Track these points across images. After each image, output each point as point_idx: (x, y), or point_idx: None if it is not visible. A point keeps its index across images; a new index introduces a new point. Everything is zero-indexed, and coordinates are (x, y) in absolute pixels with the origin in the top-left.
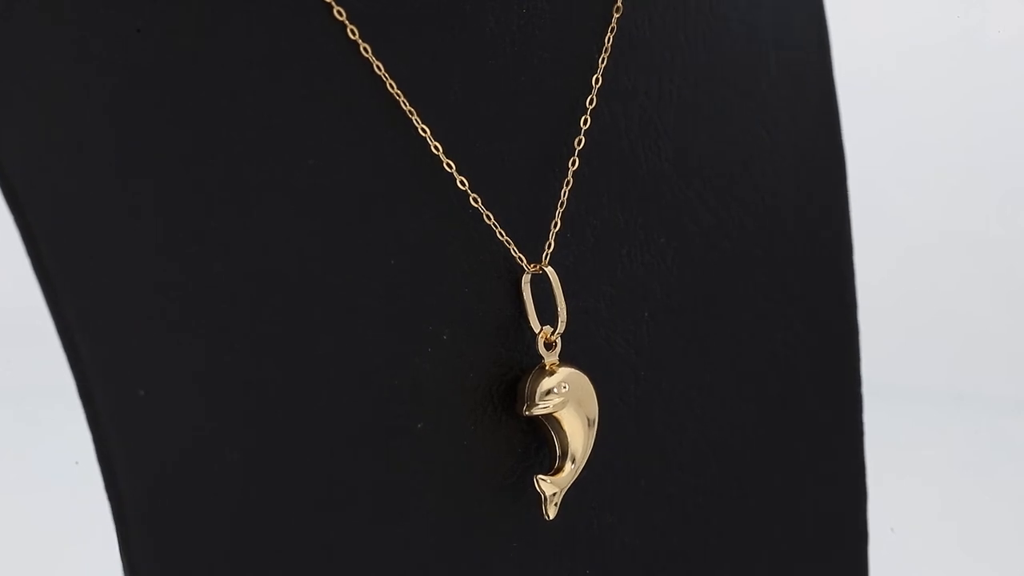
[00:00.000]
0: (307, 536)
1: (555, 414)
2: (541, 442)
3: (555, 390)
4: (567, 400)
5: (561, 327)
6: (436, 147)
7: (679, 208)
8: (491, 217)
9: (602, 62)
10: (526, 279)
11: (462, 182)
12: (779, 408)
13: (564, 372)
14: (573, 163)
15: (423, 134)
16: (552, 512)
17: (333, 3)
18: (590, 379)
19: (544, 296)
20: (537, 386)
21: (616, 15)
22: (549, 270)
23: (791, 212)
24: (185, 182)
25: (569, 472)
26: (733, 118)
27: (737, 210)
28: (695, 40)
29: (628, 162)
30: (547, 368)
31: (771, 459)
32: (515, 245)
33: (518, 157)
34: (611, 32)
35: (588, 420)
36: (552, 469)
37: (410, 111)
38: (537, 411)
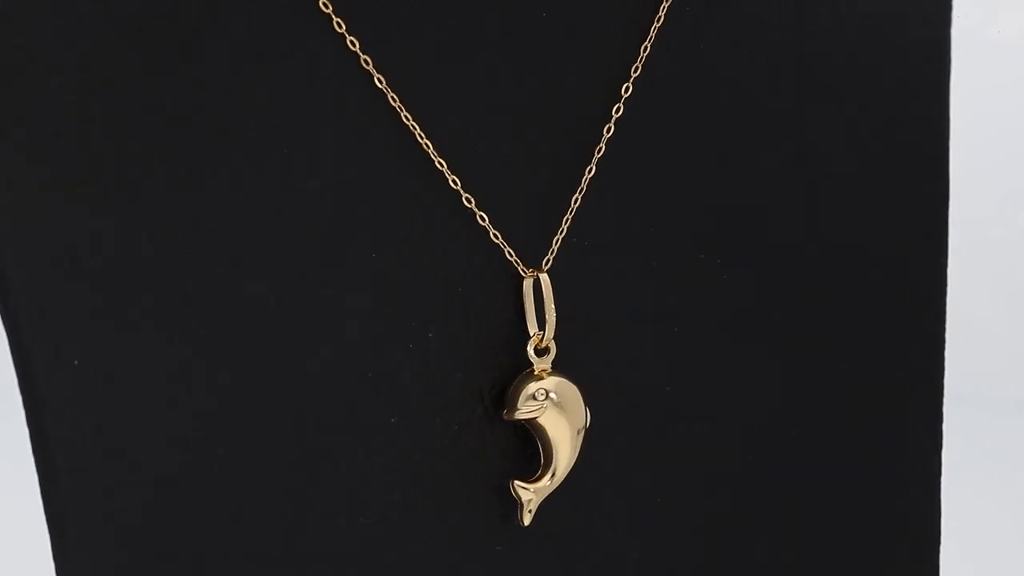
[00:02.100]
0: (272, 527)
1: (539, 421)
2: (536, 448)
3: (536, 396)
4: (550, 407)
5: (550, 332)
6: (427, 144)
7: (722, 223)
8: (485, 219)
9: (635, 71)
10: (528, 284)
11: (454, 181)
12: (826, 431)
13: (550, 379)
14: (590, 171)
15: (413, 130)
16: (527, 519)
17: None
18: (608, 389)
19: (563, 300)
20: (520, 391)
21: (656, 24)
22: (543, 276)
23: (865, 228)
24: (175, 179)
25: (548, 480)
26: (788, 135)
27: (792, 225)
28: (754, 54)
29: (659, 174)
30: (535, 374)
31: (813, 481)
32: (515, 248)
33: (527, 161)
34: (648, 41)
35: (576, 430)
36: (536, 476)
37: (399, 107)
38: (519, 416)
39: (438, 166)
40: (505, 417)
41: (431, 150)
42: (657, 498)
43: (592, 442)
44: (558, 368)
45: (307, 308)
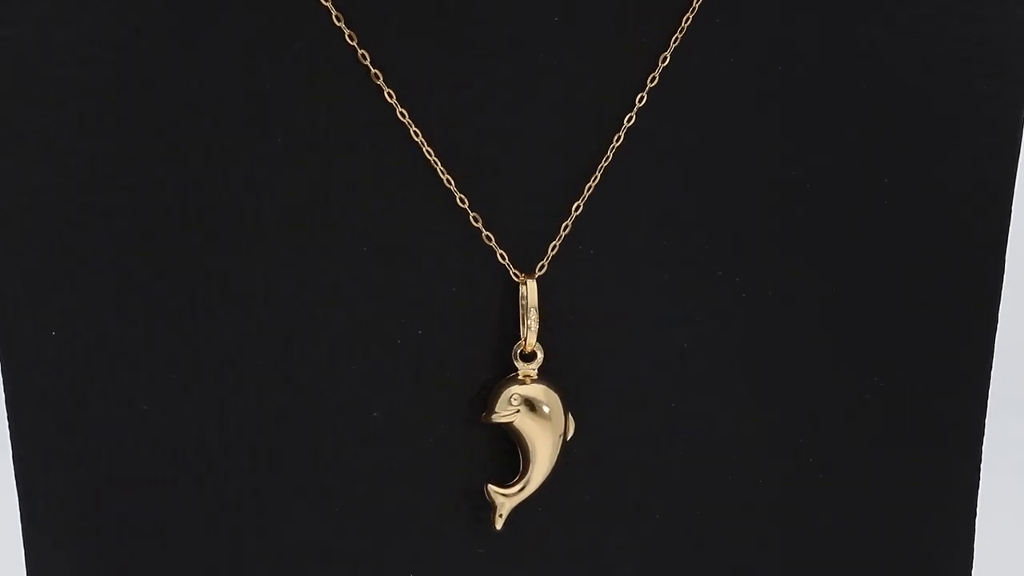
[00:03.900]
0: (249, 516)
1: (516, 426)
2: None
3: (512, 401)
4: (526, 413)
5: (532, 338)
6: (422, 142)
7: (732, 237)
8: (478, 219)
9: (651, 80)
10: (524, 289)
11: (448, 180)
12: (840, 448)
13: (531, 386)
14: (594, 179)
15: (408, 127)
16: (499, 523)
17: None
18: (603, 399)
19: (557, 306)
20: (498, 395)
21: (679, 34)
22: (529, 282)
23: (908, 238)
24: (166, 169)
25: (521, 486)
26: (814, 150)
27: (809, 238)
28: (783, 71)
29: (667, 186)
30: (519, 378)
31: (823, 504)
32: (511, 252)
33: (529, 165)
34: (668, 51)
35: (556, 438)
36: (513, 481)
37: (394, 103)
38: (494, 419)
39: (432, 164)
40: (483, 420)
41: (425, 148)
42: (655, 514)
43: (586, 452)
44: (544, 374)
45: (294, 298)
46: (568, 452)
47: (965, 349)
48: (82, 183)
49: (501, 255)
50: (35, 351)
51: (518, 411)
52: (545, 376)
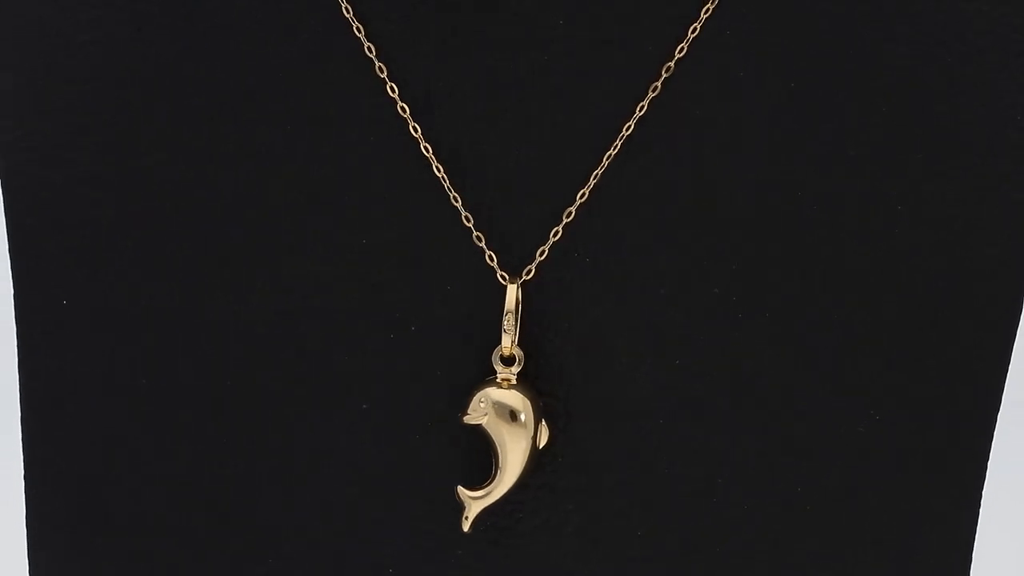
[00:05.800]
0: (235, 503)
1: (486, 429)
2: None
3: (482, 403)
4: (493, 417)
5: (507, 340)
6: (420, 140)
7: (741, 256)
8: (470, 219)
9: (653, 90)
10: (512, 291)
11: (443, 179)
12: (839, 465)
13: (505, 390)
14: (588, 186)
15: (407, 122)
16: (466, 526)
17: None
18: (590, 406)
19: (545, 312)
20: (472, 397)
21: (685, 44)
22: (511, 286)
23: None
24: (177, 158)
25: (487, 490)
26: (820, 166)
27: (811, 248)
28: (795, 85)
29: (662, 196)
30: (496, 382)
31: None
32: (503, 255)
33: (526, 168)
34: (672, 61)
35: (528, 443)
36: (483, 484)
37: (396, 98)
38: (466, 420)
39: (429, 161)
40: (459, 419)
41: (422, 144)
42: (637, 529)
43: (570, 460)
44: (522, 379)
45: (290, 290)
46: (552, 460)
47: (974, 380)
48: (95, 161)
49: (490, 256)
50: (47, 319)
51: (486, 415)
52: (522, 381)
